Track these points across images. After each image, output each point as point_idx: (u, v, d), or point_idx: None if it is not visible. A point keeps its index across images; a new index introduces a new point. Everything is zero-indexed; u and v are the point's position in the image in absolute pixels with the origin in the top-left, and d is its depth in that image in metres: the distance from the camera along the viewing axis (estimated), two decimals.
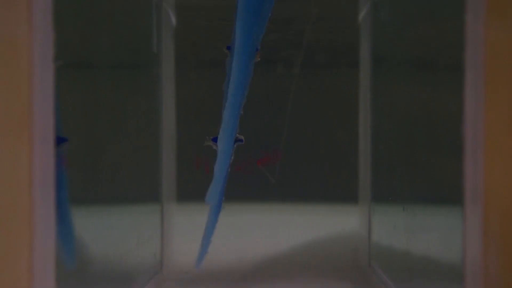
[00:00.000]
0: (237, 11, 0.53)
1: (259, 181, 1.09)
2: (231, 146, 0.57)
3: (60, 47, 0.35)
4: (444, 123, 0.50)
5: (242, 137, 0.58)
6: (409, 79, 0.64)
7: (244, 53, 0.53)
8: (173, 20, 0.89)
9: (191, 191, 1.09)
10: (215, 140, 0.57)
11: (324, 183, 1.07)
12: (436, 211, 0.54)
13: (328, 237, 0.98)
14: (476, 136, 0.40)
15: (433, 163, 0.54)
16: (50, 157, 0.33)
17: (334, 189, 1.09)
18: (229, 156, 0.57)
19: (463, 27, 0.41)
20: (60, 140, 0.52)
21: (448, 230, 0.48)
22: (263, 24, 0.54)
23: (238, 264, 0.85)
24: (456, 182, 0.43)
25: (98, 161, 0.55)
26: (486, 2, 0.39)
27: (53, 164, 0.33)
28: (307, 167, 1.09)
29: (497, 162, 0.40)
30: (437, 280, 0.52)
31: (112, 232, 0.59)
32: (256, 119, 1.11)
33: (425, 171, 0.57)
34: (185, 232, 0.98)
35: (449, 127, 0.47)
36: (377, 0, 0.77)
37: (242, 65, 0.53)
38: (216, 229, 0.61)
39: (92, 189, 0.55)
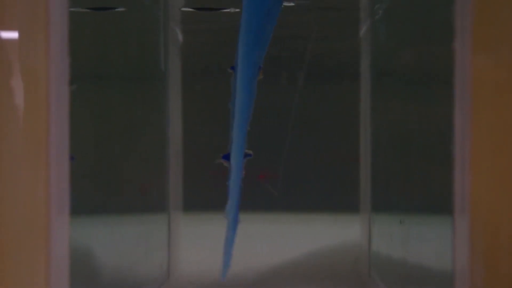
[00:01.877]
0: (239, 31, 0.55)
1: (261, 191, 1.10)
2: (242, 162, 0.59)
3: (74, 69, 0.38)
4: (438, 137, 0.52)
5: (251, 152, 0.61)
6: (405, 94, 0.66)
7: (247, 72, 0.55)
8: (180, 37, 0.91)
9: (198, 201, 1.11)
10: (226, 157, 0.60)
11: (326, 193, 1.08)
12: (430, 221, 0.56)
13: (329, 246, 1.00)
14: (464, 150, 0.43)
15: (428, 175, 0.56)
16: (66, 173, 0.36)
17: (336, 199, 1.11)
18: (241, 171, 0.60)
19: (452, 53, 0.43)
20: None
21: (441, 239, 0.50)
22: (265, 43, 0.57)
23: (241, 273, 0.86)
24: (449, 193, 0.45)
25: (106, 172, 0.57)
26: (472, 32, 0.42)
27: (68, 180, 0.36)
28: (309, 177, 1.11)
29: (482, 175, 0.42)
30: None
31: (120, 242, 0.61)
32: (259, 133, 1.13)
33: (420, 182, 0.59)
34: (192, 242, 0.99)
35: (442, 140, 0.49)
36: (377, 18, 0.79)
37: (246, 84, 0.56)
38: (234, 242, 0.64)
39: (100, 199, 0.57)
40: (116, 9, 0.60)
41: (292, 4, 0.89)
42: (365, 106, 0.87)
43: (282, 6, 0.56)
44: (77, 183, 0.49)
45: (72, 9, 0.37)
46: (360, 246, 0.90)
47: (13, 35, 0.34)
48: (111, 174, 0.59)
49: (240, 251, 1.01)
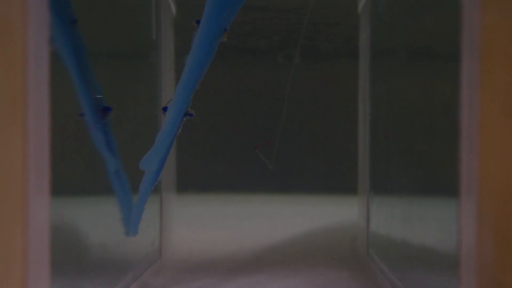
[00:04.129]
0: None
1: (260, 171, 1.09)
2: (179, 119, 0.57)
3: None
4: (442, 113, 0.50)
5: (192, 112, 0.58)
6: (407, 69, 0.64)
7: (210, 31, 0.53)
8: (173, 9, 0.89)
9: (190, 181, 1.10)
10: (165, 109, 0.57)
11: (325, 173, 1.07)
12: (432, 200, 0.54)
13: (328, 226, 0.98)
14: (472, 124, 0.40)
15: (431, 153, 0.54)
16: (45, 142, 0.33)
17: (335, 179, 1.09)
18: (176, 127, 0.57)
19: (459, 12, 0.41)
20: (106, 110, 0.53)
21: (444, 218, 0.48)
22: (236, 6, 0.54)
23: (238, 253, 0.85)
24: (453, 172, 0.43)
25: (96, 151, 0.55)
26: None
27: (47, 150, 0.33)
28: (308, 158, 1.09)
29: (492, 150, 0.40)
30: (433, 269, 0.52)
31: (110, 221, 0.59)
32: (257, 109, 1.11)
33: (422, 161, 0.57)
34: (184, 222, 0.98)
35: (447, 116, 0.47)
36: None
37: (206, 42, 0.53)
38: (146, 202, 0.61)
39: (90, 179, 0.55)
40: None
41: None
42: (364, 82, 0.85)
43: None
44: (65, 163, 0.47)
45: None
46: (359, 225, 0.89)
47: None
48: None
49: (237, 231, 1.00)
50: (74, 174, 0.50)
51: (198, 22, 0.55)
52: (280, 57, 1.09)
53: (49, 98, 0.32)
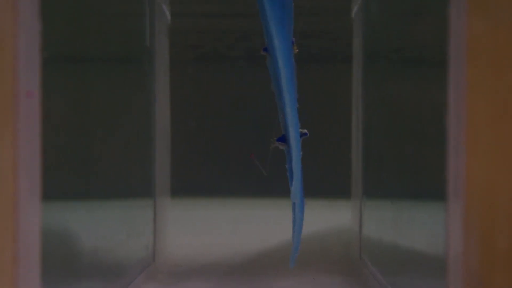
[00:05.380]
0: (262, 9, 0.53)
1: (253, 176, 1.09)
2: (299, 142, 0.58)
3: (48, 40, 0.35)
4: (431, 119, 0.50)
5: (306, 131, 0.59)
6: (398, 74, 0.64)
7: (284, 48, 0.54)
8: (168, 15, 0.89)
9: (185, 186, 1.10)
10: (281, 139, 0.59)
11: (318, 178, 1.07)
12: (423, 205, 0.54)
13: (321, 231, 0.99)
14: (458, 130, 0.41)
15: (420, 158, 0.54)
16: (37, 146, 0.33)
17: (328, 184, 1.09)
18: (300, 151, 0.58)
19: (447, 19, 0.42)
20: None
21: (434, 223, 0.49)
22: (291, 14, 0.55)
23: (232, 257, 0.85)
24: (442, 177, 0.43)
25: (90, 156, 0.56)
26: None
27: (39, 154, 0.34)
28: (302, 162, 1.10)
29: (478, 156, 0.40)
30: (423, 273, 0.52)
31: (103, 226, 0.59)
32: (251, 113, 1.11)
33: (412, 166, 0.57)
34: (179, 226, 0.99)
35: (436, 122, 0.47)
36: None
37: (286, 61, 0.54)
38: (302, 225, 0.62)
39: (85, 184, 0.55)
40: None
41: None
42: (357, 87, 0.85)
43: None
44: (59, 168, 0.47)
45: None
46: (352, 230, 0.89)
47: None
48: (95, 159, 0.57)
49: (231, 235, 1.00)
50: (66, 179, 0.51)
51: (265, 49, 0.56)
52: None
53: (40, 104, 0.33)
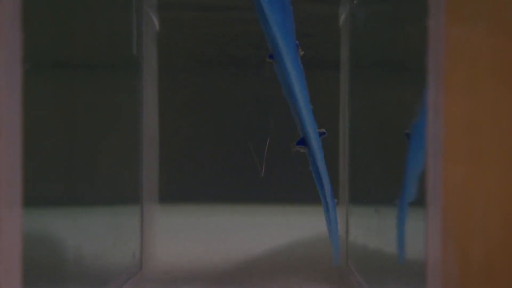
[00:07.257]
0: (263, 15, 0.53)
1: (243, 182, 1.09)
2: (320, 142, 0.59)
3: (32, 49, 0.35)
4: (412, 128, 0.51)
5: (323, 130, 0.60)
6: (381, 83, 0.65)
7: (290, 52, 0.54)
8: (156, 24, 0.90)
9: (173, 192, 1.10)
10: (300, 143, 0.59)
11: (306, 184, 1.07)
12: (406, 212, 0.55)
13: (307, 237, 0.99)
14: (436, 138, 0.42)
15: (402, 166, 0.55)
16: (17, 159, 0.34)
17: (316, 190, 1.10)
18: (321, 150, 0.59)
19: (426, 31, 0.42)
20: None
21: (415, 231, 0.49)
22: (291, 17, 0.56)
23: (219, 264, 0.85)
24: (422, 185, 0.44)
25: (77, 162, 0.56)
26: (446, 6, 0.41)
27: (19, 166, 0.34)
28: (290, 169, 1.10)
29: (455, 163, 0.41)
30: (405, 280, 0.53)
31: (89, 233, 0.59)
32: (242, 119, 1.12)
33: (397, 173, 0.58)
34: (166, 233, 0.99)
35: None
36: (356, 4, 0.78)
37: (294, 64, 0.55)
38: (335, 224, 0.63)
39: (70, 190, 0.55)
40: None
41: None
42: (344, 95, 0.86)
43: None
44: (45, 175, 0.47)
45: None
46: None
47: None
48: (81, 165, 0.57)
49: (219, 242, 1.00)
50: (52, 185, 0.51)
51: (270, 56, 0.56)
52: (267, 68, 1.09)
53: (21, 110, 0.33)
